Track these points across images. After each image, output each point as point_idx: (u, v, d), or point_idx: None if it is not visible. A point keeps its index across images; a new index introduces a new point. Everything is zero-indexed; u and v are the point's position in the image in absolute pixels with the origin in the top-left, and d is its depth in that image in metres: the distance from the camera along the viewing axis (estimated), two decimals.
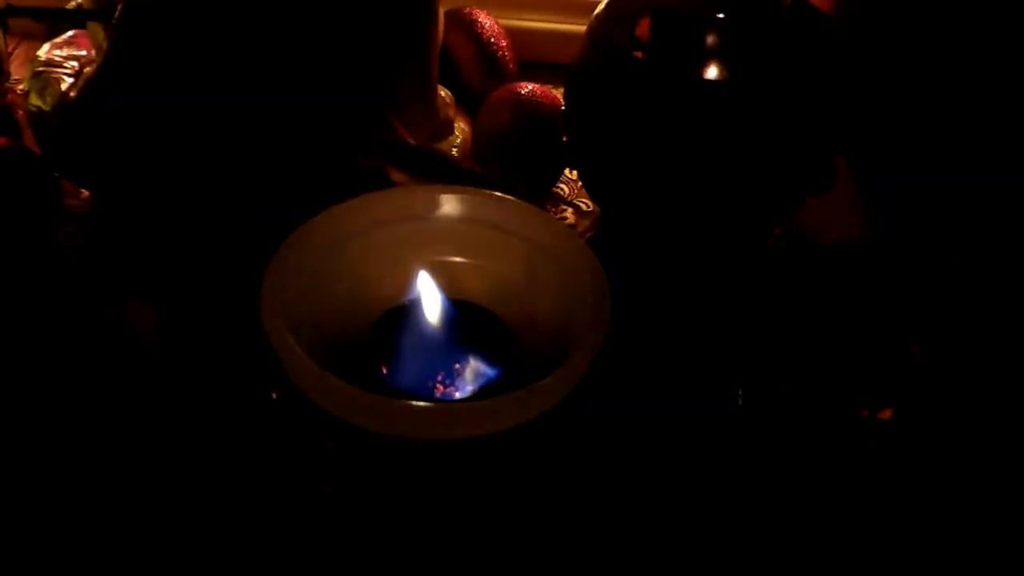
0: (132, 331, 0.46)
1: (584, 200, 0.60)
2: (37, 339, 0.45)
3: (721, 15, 0.48)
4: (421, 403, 0.32)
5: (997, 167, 0.48)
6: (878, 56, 0.52)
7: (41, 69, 0.54)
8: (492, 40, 0.63)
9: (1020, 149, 0.47)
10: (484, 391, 0.34)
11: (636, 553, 0.39)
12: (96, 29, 0.53)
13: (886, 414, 0.37)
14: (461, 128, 0.59)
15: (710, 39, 0.50)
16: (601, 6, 0.50)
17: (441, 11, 0.53)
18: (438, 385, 0.34)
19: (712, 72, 0.50)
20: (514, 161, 0.57)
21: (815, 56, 0.47)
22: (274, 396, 0.34)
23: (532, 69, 0.64)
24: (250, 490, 0.39)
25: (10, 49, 0.65)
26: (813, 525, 0.39)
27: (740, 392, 0.40)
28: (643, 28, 0.50)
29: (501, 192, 0.39)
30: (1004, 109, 0.46)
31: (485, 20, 0.64)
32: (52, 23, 0.61)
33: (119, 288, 0.48)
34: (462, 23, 0.63)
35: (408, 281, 0.36)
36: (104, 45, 0.52)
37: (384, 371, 0.34)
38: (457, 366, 0.35)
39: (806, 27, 0.48)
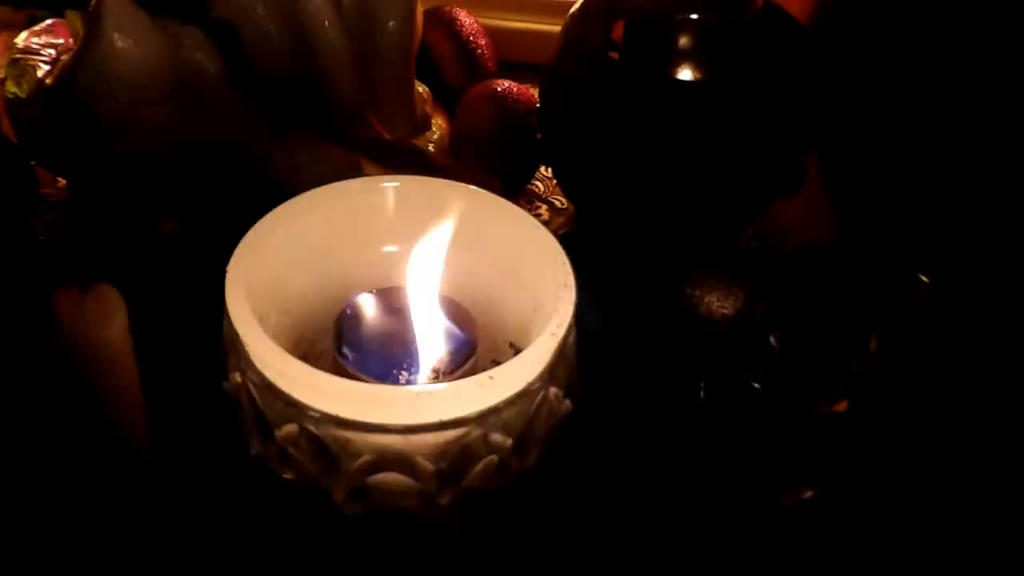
0: (104, 319, 0.46)
1: (559, 197, 0.60)
2: (11, 327, 0.45)
3: (694, 16, 0.49)
4: (383, 386, 0.32)
5: (969, 171, 0.48)
6: (850, 59, 0.53)
7: (18, 56, 0.53)
8: (471, 39, 0.64)
9: (992, 152, 0.47)
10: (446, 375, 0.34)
11: (597, 544, 0.39)
12: (74, 18, 0.53)
13: (842, 406, 0.38)
14: (438, 124, 0.60)
15: (683, 41, 0.50)
16: (576, 7, 0.51)
17: (420, 8, 0.53)
18: (402, 372, 0.35)
19: (685, 73, 0.50)
20: (490, 158, 0.57)
21: (787, 59, 0.48)
22: (239, 381, 0.34)
23: (511, 68, 0.65)
24: (215, 479, 0.39)
25: None
26: (772, 518, 0.39)
27: (702, 385, 0.41)
28: (618, 30, 0.51)
29: (473, 185, 0.39)
30: (977, 112, 0.47)
31: (465, 19, 0.64)
32: (31, 12, 0.61)
33: (93, 276, 0.48)
34: (442, 21, 0.64)
35: (375, 270, 0.37)
36: (81, 33, 0.52)
37: (348, 359, 0.35)
38: (422, 354, 0.35)
39: (777, 30, 0.49)
